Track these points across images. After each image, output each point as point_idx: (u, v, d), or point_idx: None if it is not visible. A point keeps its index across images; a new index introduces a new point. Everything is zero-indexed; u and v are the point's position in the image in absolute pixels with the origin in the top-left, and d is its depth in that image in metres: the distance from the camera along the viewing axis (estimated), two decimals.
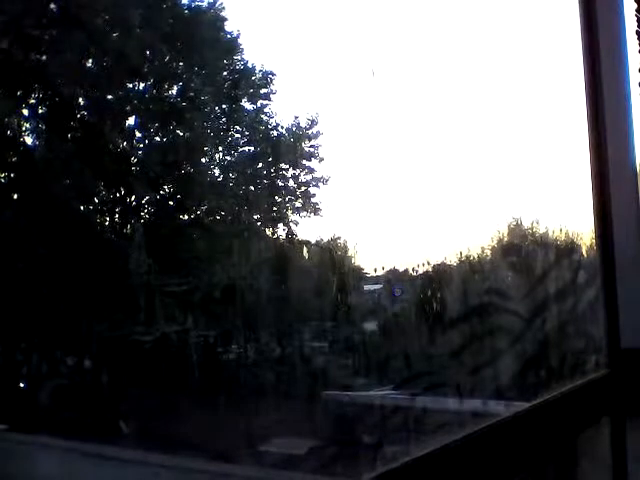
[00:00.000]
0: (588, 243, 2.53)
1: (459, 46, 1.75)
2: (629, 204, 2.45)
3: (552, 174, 2.19)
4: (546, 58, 2.20)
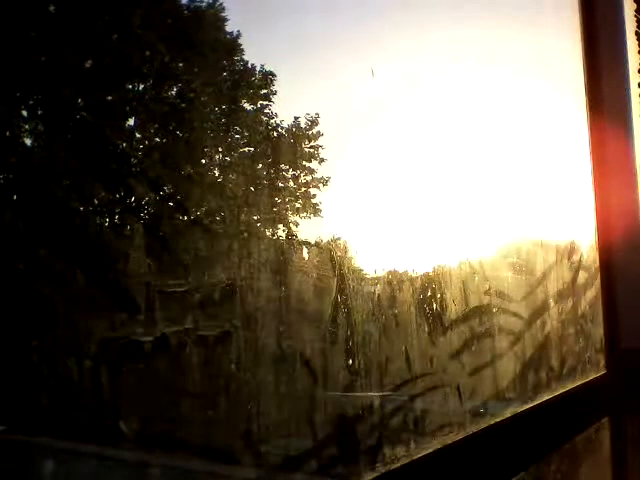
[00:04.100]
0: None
1: (459, 46, 1.75)
2: (629, 204, 2.45)
3: (550, 172, 2.19)
4: (545, 59, 2.20)
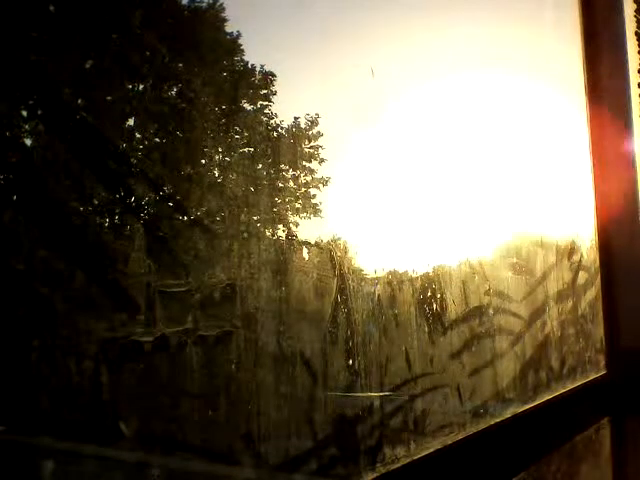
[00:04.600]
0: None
1: (460, 45, 1.74)
2: (629, 204, 2.45)
3: (550, 172, 2.19)
4: (545, 59, 2.20)
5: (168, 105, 1.21)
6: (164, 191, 1.12)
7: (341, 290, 1.33)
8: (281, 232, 1.36)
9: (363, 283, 1.42)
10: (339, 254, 1.36)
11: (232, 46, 1.29)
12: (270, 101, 1.35)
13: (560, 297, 2.20)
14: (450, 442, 1.43)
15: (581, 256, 2.41)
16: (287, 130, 1.38)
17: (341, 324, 1.31)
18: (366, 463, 1.27)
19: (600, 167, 2.48)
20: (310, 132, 1.42)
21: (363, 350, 1.32)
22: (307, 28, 1.38)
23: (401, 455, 1.31)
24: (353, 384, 1.32)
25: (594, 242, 2.48)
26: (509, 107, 2.07)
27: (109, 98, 1.11)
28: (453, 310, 1.61)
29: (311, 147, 1.43)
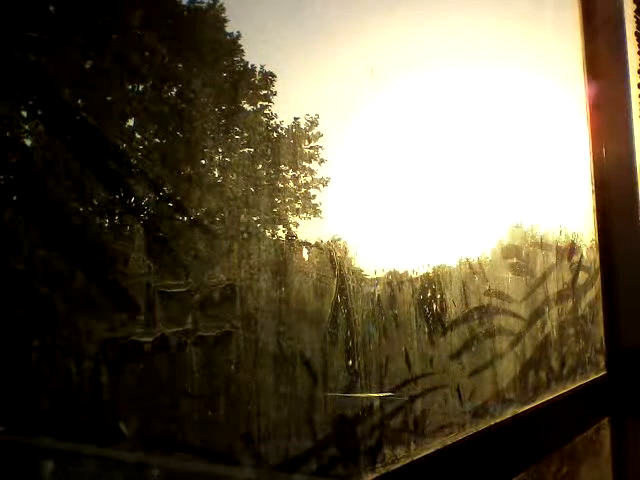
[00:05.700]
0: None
1: (460, 45, 1.73)
2: (629, 203, 2.45)
3: (550, 173, 2.19)
4: (545, 60, 2.20)
5: (168, 105, 1.21)
6: (164, 191, 1.12)
7: (341, 290, 1.33)
8: (281, 233, 1.36)
9: (363, 283, 1.42)
10: (339, 254, 1.36)
11: (232, 46, 1.29)
12: (270, 101, 1.35)
13: (560, 297, 2.20)
14: (450, 442, 1.43)
15: (581, 256, 2.41)
16: (287, 130, 1.38)
17: (341, 324, 1.31)
18: (366, 463, 1.27)
19: (600, 167, 2.48)
20: (310, 132, 1.42)
21: (363, 350, 1.32)
22: (307, 28, 1.38)
23: (401, 455, 1.31)
24: (353, 384, 1.32)
25: (594, 242, 2.48)
26: (509, 108, 2.07)
27: (109, 98, 1.10)
28: (453, 310, 1.61)
29: (311, 147, 1.43)
